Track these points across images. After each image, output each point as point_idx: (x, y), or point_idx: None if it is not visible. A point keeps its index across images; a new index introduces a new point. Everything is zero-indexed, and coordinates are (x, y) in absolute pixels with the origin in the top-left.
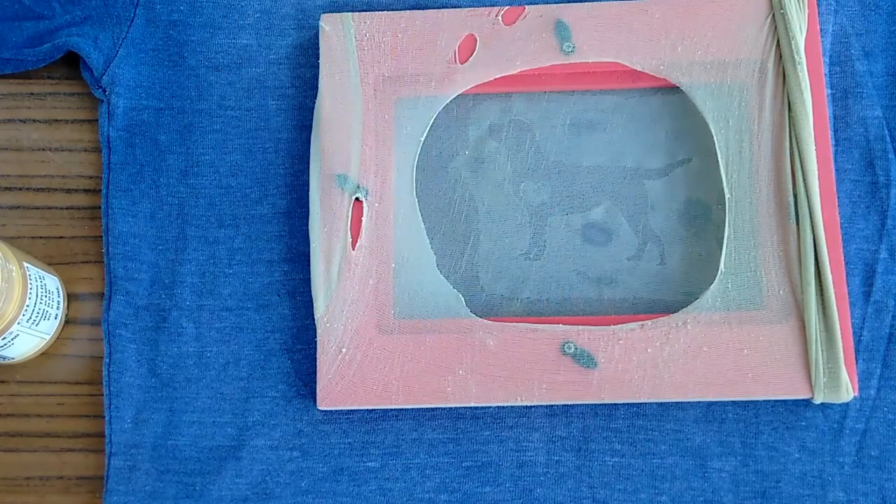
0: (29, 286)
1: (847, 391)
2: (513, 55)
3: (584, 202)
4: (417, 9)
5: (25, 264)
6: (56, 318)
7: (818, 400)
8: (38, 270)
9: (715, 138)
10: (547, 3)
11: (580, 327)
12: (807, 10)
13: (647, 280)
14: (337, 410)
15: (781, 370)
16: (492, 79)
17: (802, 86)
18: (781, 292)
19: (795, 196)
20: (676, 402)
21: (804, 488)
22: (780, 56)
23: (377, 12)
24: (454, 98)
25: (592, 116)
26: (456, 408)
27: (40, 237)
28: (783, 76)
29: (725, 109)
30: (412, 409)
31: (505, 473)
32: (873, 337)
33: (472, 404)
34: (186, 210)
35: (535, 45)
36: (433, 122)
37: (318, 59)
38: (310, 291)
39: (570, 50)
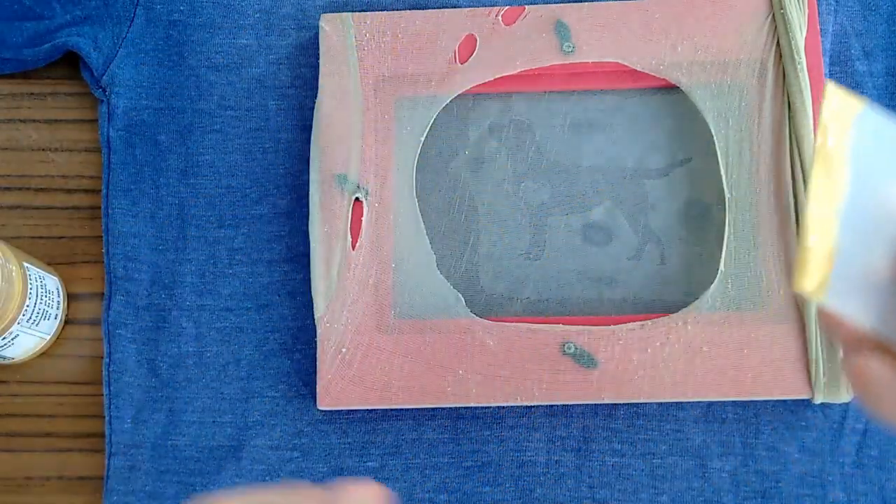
0: (29, 286)
1: (847, 391)
2: (513, 55)
3: (584, 202)
4: (417, 9)
5: (25, 264)
6: (56, 318)
7: (818, 400)
8: (38, 270)
9: (715, 138)
10: (547, 3)
11: (580, 327)
12: (807, 10)
13: (647, 280)
14: (337, 410)
15: (781, 370)
16: (492, 79)
17: (802, 86)
18: (781, 292)
19: (796, 196)
20: (676, 402)
21: (804, 488)
22: (780, 56)
23: (377, 12)
24: (454, 98)
25: (592, 116)
26: (456, 408)
27: (40, 237)
28: (783, 76)
29: (725, 109)
30: (412, 409)
31: (505, 473)
32: None
33: (472, 404)
34: (186, 210)
35: (535, 45)
36: (433, 122)
37: (318, 59)
38: (310, 291)
39: (570, 50)
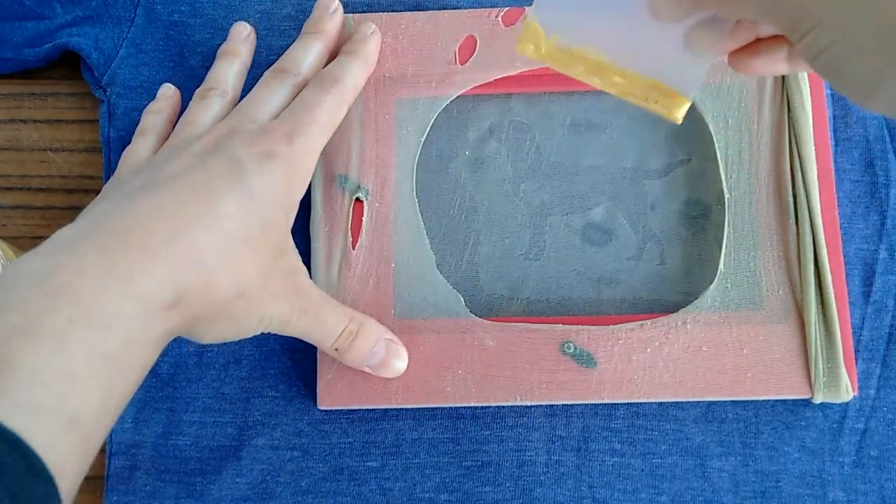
0: None
1: (847, 391)
2: (513, 56)
3: (584, 202)
4: (417, 9)
5: None
6: None
7: (818, 400)
8: None
9: (714, 138)
10: None
11: (580, 327)
12: None
13: (647, 280)
14: (337, 410)
15: (781, 370)
16: (492, 79)
17: (802, 86)
18: (781, 292)
19: (795, 196)
20: (676, 402)
21: (804, 488)
22: None
23: (377, 13)
24: (454, 98)
25: (592, 116)
26: (456, 408)
27: (40, 237)
28: (783, 76)
29: (725, 109)
30: (412, 409)
31: (505, 473)
32: (873, 337)
33: (472, 404)
34: None
35: None
36: (433, 123)
37: None
38: None
39: None
